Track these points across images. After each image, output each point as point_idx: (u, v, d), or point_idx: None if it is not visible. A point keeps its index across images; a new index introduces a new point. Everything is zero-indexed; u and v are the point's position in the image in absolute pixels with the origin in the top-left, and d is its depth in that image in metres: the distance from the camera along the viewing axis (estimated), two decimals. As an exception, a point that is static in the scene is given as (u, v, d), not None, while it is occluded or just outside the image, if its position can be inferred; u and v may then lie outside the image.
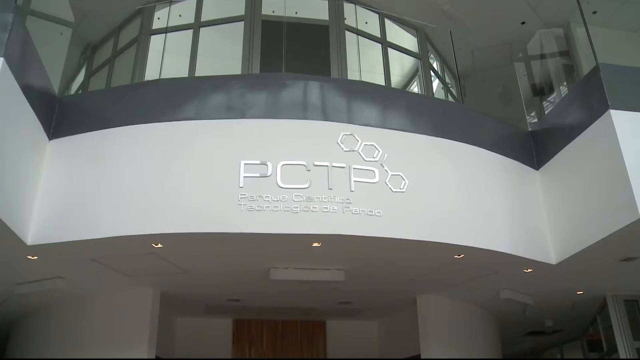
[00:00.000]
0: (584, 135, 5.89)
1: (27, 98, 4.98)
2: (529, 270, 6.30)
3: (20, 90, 4.84)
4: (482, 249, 5.54)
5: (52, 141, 5.54)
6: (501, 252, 5.69)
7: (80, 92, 8.20)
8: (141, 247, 5.33)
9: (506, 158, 6.29)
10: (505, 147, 6.35)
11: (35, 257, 5.42)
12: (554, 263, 6.11)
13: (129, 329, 6.62)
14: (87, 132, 5.55)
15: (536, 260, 6.00)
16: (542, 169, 6.55)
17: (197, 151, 5.28)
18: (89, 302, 6.84)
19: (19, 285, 6.29)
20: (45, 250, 5.22)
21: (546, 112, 8.23)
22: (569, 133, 6.14)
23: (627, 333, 7.56)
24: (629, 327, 7.60)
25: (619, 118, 5.45)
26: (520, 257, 5.84)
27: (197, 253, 5.59)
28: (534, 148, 6.74)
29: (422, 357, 7.24)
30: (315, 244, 5.23)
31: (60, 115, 5.70)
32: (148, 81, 6.99)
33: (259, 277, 6.17)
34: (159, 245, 5.26)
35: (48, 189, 5.29)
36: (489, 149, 6.15)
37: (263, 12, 7.44)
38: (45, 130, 5.46)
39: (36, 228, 5.11)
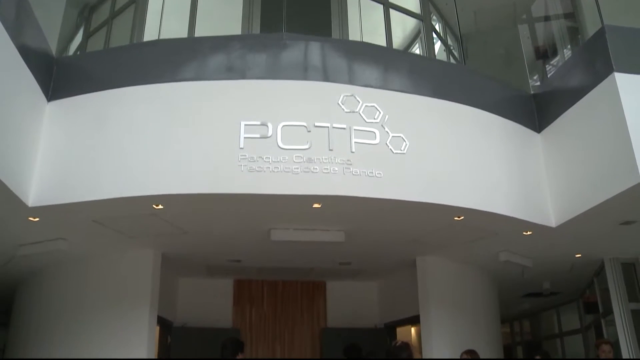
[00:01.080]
0: (586, 99, 5.85)
1: (24, 59, 4.92)
2: (528, 232, 6.34)
3: (16, 51, 4.77)
4: (482, 211, 5.55)
5: (50, 103, 5.50)
6: (501, 215, 5.70)
7: (78, 53, 8.11)
8: (142, 208, 5.35)
9: (507, 121, 6.25)
10: (507, 110, 6.31)
11: (37, 219, 5.44)
12: (554, 226, 6.14)
13: (131, 289, 6.70)
14: (86, 93, 5.50)
15: (536, 223, 6.02)
16: (543, 132, 6.52)
17: (197, 112, 5.25)
18: (91, 263, 6.90)
19: (21, 246, 6.34)
20: (46, 211, 5.23)
21: (549, 75, 8.15)
22: (572, 96, 6.09)
23: (622, 295, 7.66)
24: (625, 289, 7.69)
25: (623, 81, 5.40)
26: (519, 219, 5.86)
27: (198, 214, 5.61)
28: (536, 111, 6.69)
29: (421, 317, 7.34)
30: (316, 205, 5.24)
31: (59, 77, 5.65)
32: (147, 42, 6.90)
33: (260, 237, 6.21)
34: (160, 207, 5.28)
35: (48, 150, 5.27)
36: (490, 111, 6.10)
37: (263, -29, 7.31)
38: (43, 91, 5.42)
39: (37, 190, 5.12)
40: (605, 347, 6.19)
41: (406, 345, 5.36)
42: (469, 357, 6.12)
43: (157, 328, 7.17)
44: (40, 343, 6.97)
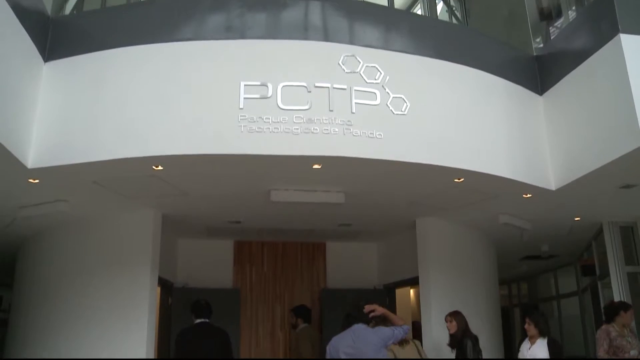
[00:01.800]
0: (590, 60, 5.77)
1: (19, 19, 4.84)
2: (528, 195, 6.34)
3: (11, 10, 4.69)
4: (482, 173, 5.55)
5: (47, 63, 5.42)
6: (501, 177, 5.70)
7: (74, 13, 7.99)
8: (142, 170, 5.34)
9: (509, 82, 6.19)
10: (509, 72, 6.24)
11: (37, 181, 5.43)
12: (554, 189, 6.14)
13: (132, 250, 6.74)
14: (83, 53, 5.42)
15: (536, 186, 6.03)
16: (545, 94, 6.46)
17: (197, 72, 5.19)
18: (92, 224, 6.93)
19: (22, 208, 6.36)
20: (46, 173, 5.22)
21: (552, 37, 8.04)
22: (576, 58, 6.01)
23: (620, 258, 7.73)
24: (622, 252, 7.76)
25: (629, 42, 5.31)
26: (519, 182, 5.86)
27: (197, 175, 5.61)
28: (539, 73, 6.62)
29: (420, 279, 7.41)
30: (316, 166, 5.23)
31: (55, 37, 5.55)
32: (145, 0, 6.80)
33: (260, 198, 6.21)
34: (160, 168, 5.27)
35: (46, 112, 5.23)
36: (492, 73, 6.03)
37: None
38: (40, 52, 5.34)
39: (36, 151, 5.10)
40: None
41: (357, 308, 5.50)
42: (451, 319, 6.23)
43: (158, 289, 7.26)
44: (43, 303, 7.06)
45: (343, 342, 5.41)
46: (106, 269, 6.70)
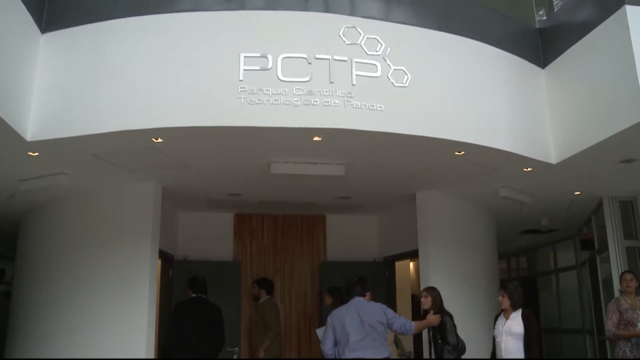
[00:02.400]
0: (594, 33, 5.70)
1: (14, -12, 4.79)
2: (528, 169, 6.34)
3: (5, -21, 4.63)
4: (483, 146, 5.53)
5: (45, 35, 5.36)
6: (502, 150, 5.68)
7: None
8: (141, 142, 5.32)
9: (511, 55, 6.13)
10: (511, 44, 6.18)
11: (36, 153, 5.42)
12: (554, 163, 6.13)
13: (132, 223, 6.77)
14: (81, 25, 5.35)
15: (536, 160, 6.01)
16: (548, 67, 6.41)
17: (196, 43, 5.14)
18: (92, 197, 6.94)
19: (22, 181, 6.35)
20: (45, 146, 5.20)
21: (556, 10, 7.94)
22: (579, 30, 5.94)
23: (619, 232, 7.75)
24: (621, 226, 7.78)
25: (635, 14, 5.23)
26: (520, 155, 5.85)
27: (197, 147, 5.59)
28: (541, 46, 6.55)
29: (419, 251, 7.45)
30: (316, 138, 5.21)
31: (52, 8, 5.48)
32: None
33: (260, 171, 6.21)
34: (159, 140, 5.25)
35: (44, 84, 5.19)
36: (494, 45, 5.97)
37: None
38: (36, 23, 5.27)
39: (35, 124, 5.07)
40: (627, 276, 6.25)
41: (361, 280, 5.62)
42: (427, 294, 6.30)
43: (159, 261, 7.30)
44: (44, 276, 7.11)
45: (348, 316, 5.48)
46: (107, 242, 6.73)
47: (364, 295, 5.66)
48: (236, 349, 8.06)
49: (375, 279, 8.33)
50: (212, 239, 8.73)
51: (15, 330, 7.57)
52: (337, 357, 5.44)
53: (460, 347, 5.97)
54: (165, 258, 7.87)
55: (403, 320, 5.49)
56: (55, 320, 6.76)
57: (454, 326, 5.93)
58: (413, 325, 5.56)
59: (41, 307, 6.99)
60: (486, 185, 7.06)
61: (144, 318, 6.43)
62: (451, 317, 5.94)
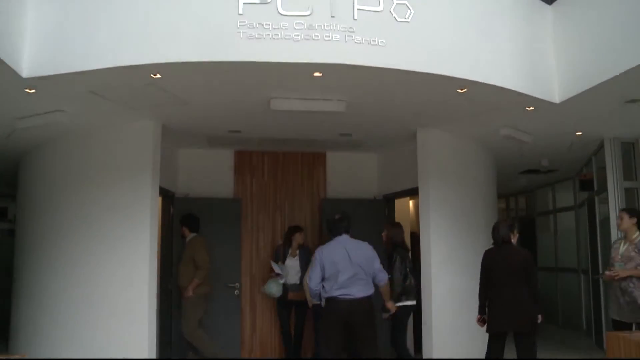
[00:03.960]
0: (605, -32, 5.55)
1: None
2: (531, 108, 6.27)
3: None
4: (486, 83, 5.44)
5: (37, -34, 5.20)
6: (505, 88, 5.59)
7: None
8: (140, 78, 5.23)
9: (518, -9, 5.98)
10: (518, -21, 6.01)
11: (33, 90, 5.34)
12: (557, 102, 6.06)
13: (132, 161, 6.76)
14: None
15: (539, 99, 5.93)
16: (554, 4, 6.25)
17: (194, -24, 4.98)
18: (92, 135, 6.90)
19: (20, 119, 6.30)
20: (42, 82, 5.12)
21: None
22: (589, -35, 5.78)
23: (619, 173, 7.77)
24: (621, 167, 7.79)
25: (648, -52, 5.07)
26: (523, 94, 5.77)
27: (196, 83, 5.51)
28: (548, -19, 6.38)
29: (419, 189, 7.48)
30: (317, 74, 5.12)
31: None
32: None
33: (260, 107, 6.14)
34: (158, 76, 5.16)
35: (39, 18, 5.05)
36: (500, -20, 5.82)
37: None
38: (29, -47, 5.11)
39: (30, 60, 4.97)
40: (622, 214, 6.26)
41: (346, 216, 5.77)
42: (385, 231, 6.47)
43: (160, 199, 7.34)
44: (46, 214, 7.20)
45: (337, 254, 5.59)
46: (107, 180, 6.75)
47: (349, 232, 5.78)
48: (237, 284, 8.24)
49: (375, 217, 8.41)
50: (212, 176, 8.73)
51: (21, 265, 7.72)
52: (322, 293, 5.60)
53: (407, 285, 6.29)
54: (166, 195, 7.91)
55: (383, 275, 5.80)
56: (59, 253, 6.87)
57: (407, 265, 6.41)
58: (386, 280, 5.87)
59: (45, 243, 7.10)
60: (488, 124, 7.01)
61: (146, 252, 6.55)
62: (405, 254, 6.46)
